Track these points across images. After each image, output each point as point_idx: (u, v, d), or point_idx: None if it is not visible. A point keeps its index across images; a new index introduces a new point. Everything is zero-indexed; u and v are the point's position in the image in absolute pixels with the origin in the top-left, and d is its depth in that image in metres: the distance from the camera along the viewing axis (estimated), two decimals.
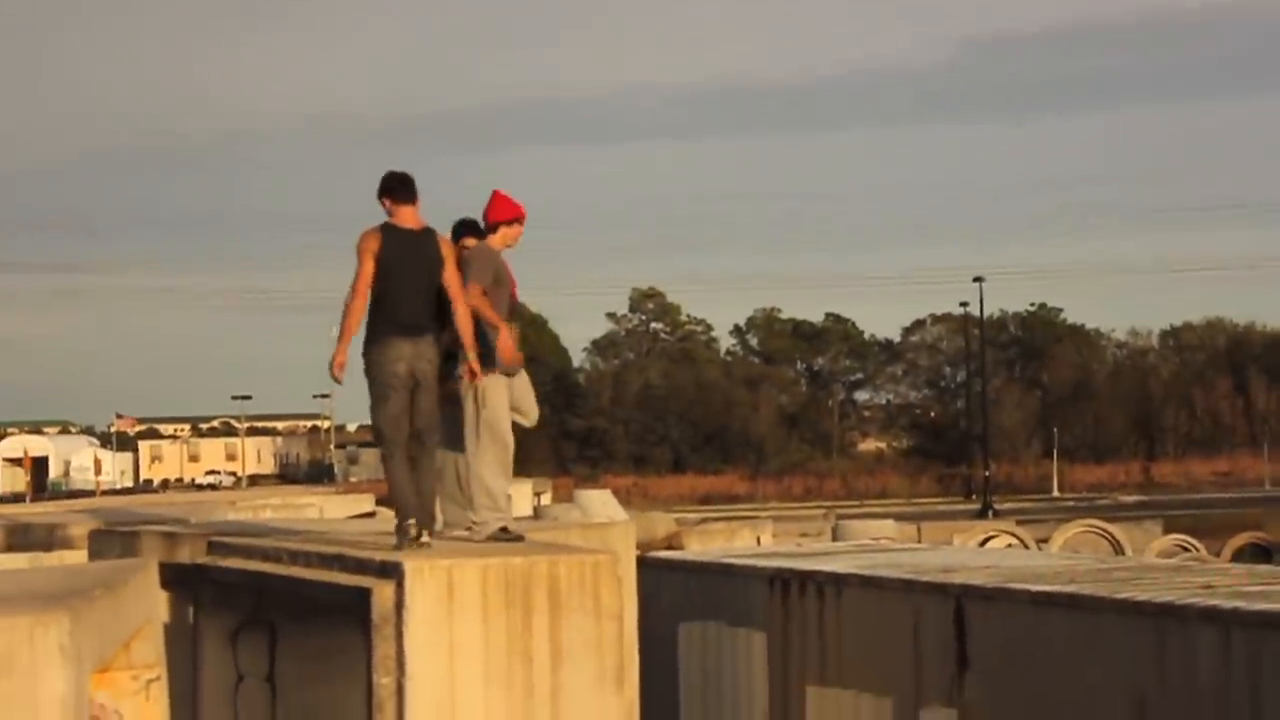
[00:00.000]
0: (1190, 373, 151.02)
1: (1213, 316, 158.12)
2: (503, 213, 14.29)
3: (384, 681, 11.90)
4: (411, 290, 13.27)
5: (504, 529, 13.72)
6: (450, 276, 13.44)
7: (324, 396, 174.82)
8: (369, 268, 13.19)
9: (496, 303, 13.97)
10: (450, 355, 14.55)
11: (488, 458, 13.87)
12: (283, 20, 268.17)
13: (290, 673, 14.96)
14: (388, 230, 13.34)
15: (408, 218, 13.41)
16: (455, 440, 14.43)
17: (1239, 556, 52.74)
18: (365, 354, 13.26)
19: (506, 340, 13.78)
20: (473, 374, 13.56)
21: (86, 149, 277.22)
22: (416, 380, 13.24)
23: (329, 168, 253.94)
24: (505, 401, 13.97)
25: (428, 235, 13.47)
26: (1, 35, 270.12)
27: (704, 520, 55.17)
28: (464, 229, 15.12)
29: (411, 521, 13.00)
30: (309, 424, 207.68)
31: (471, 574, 12.05)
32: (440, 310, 13.45)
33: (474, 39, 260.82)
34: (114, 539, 16.84)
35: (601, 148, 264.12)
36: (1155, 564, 21.31)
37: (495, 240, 14.25)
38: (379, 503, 44.75)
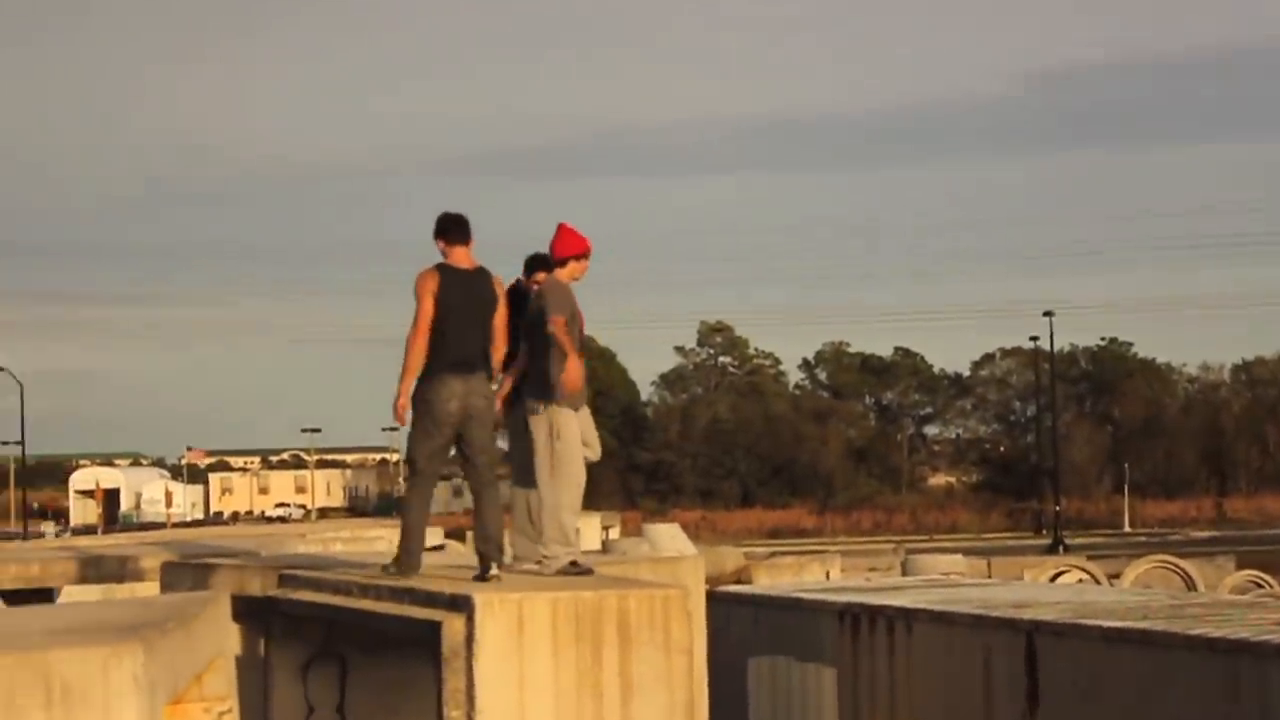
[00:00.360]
0: (1263, 408, 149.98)
1: None
2: (570, 248, 14.35)
3: (454, 715, 11.91)
4: (467, 329, 13.54)
5: (574, 563, 13.75)
6: (500, 318, 13.76)
7: (393, 429, 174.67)
8: (429, 307, 13.45)
9: (576, 341, 14.06)
10: (517, 390, 14.61)
11: (559, 491, 13.91)
12: (351, 53, 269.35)
13: (360, 705, 14.98)
14: (444, 270, 13.61)
15: (461, 258, 13.73)
16: (526, 474, 14.49)
17: None
18: (418, 390, 13.49)
19: (575, 370, 13.84)
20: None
21: (157, 179, 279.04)
22: (470, 415, 13.47)
23: (401, 199, 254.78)
24: (577, 435, 14.01)
25: (482, 275, 13.78)
26: (86, 66, 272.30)
27: (772, 554, 55.06)
28: (536, 264, 15.18)
29: (396, 559, 13.57)
30: (378, 457, 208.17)
31: (542, 607, 12.05)
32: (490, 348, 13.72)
33: (542, 72, 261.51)
34: (185, 571, 16.93)
35: (670, 179, 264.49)
36: (1229, 600, 21.17)
37: (563, 275, 14.29)
38: (447, 535, 44.87)
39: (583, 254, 14.38)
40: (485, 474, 13.64)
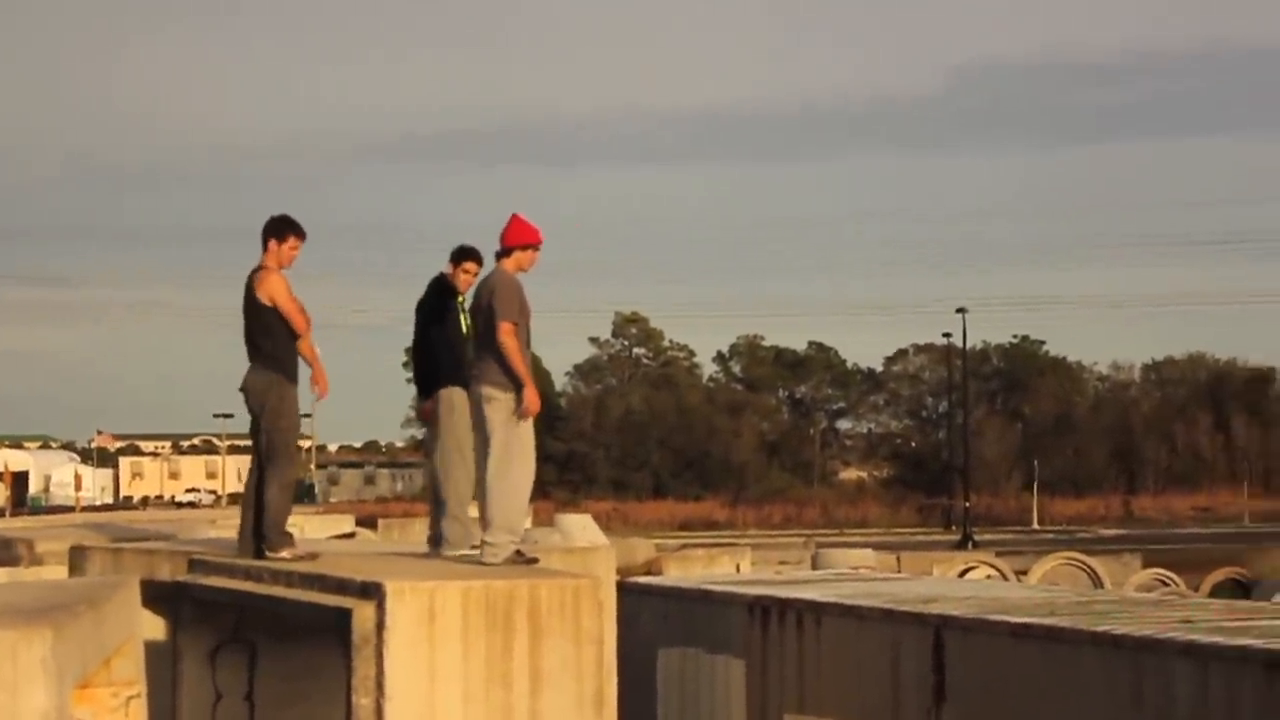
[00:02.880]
0: (1172, 407, 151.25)
1: (1195, 351, 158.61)
2: (520, 237, 14.38)
3: (363, 702, 11.92)
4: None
5: (519, 552, 13.84)
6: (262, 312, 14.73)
7: (306, 416, 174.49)
8: None
9: (524, 333, 14.13)
10: (437, 375, 14.78)
11: (516, 479, 13.97)
12: (280, 34, 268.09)
13: (269, 692, 14.96)
14: None
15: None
16: (462, 459, 14.61)
17: (1218, 591, 52.83)
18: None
19: (534, 396, 13.99)
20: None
21: (71, 161, 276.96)
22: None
23: (317, 185, 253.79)
24: (531, 428, 14.13)
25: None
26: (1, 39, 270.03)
27: (684, 546, 55.20)
28: (463, 255, 15.26)
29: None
30: None
31: (453, 596, 12.08)
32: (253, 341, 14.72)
33: (463, 59, 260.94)
34: (95, 555, 16.84)
35: (587, 170, 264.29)
36: (1134, 598, 21.36)
37: (509, 264, 14.31)
38: (359, 523, 44.79)
39: (532, 245, 14.41)
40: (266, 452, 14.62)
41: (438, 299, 15.33)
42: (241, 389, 14.65)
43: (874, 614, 17.10)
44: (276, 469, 14.50)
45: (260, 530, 14.43)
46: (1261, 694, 12.98)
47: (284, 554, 14.22)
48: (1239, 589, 55.31)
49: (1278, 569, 62.44)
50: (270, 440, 14.50)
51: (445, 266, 15.43)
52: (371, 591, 12.06)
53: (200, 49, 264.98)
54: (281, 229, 14.69)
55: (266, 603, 13.67)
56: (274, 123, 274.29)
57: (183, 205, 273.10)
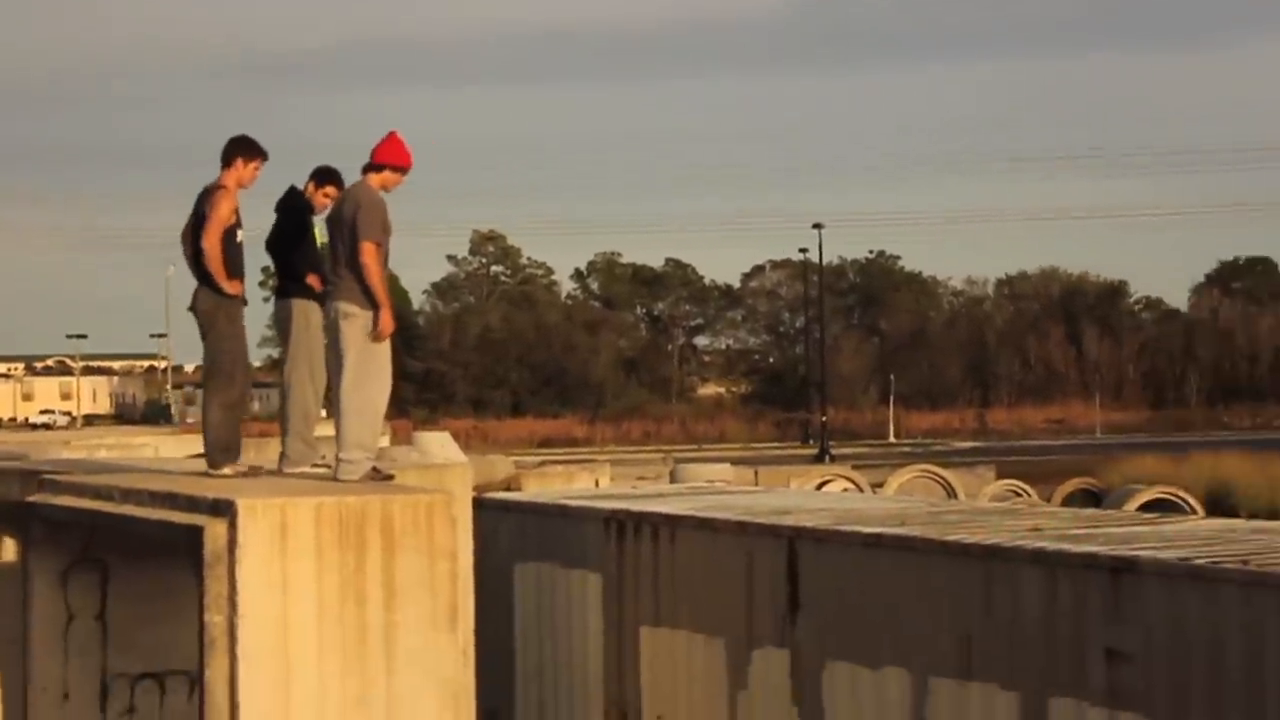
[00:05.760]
0: (1025, 321, 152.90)
1: (1047, 266, 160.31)
2: (392, 156, 14.29)
3: (216, 620, 11.86)
4: None
5: (375, 469, 13.83)
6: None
7: (161, 336, 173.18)
8: None
9: (384, 253, 14.06)
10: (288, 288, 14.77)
11: (372, 396, 13.94)
12: None
13: (122, 612, 14.84)
14: None
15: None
16: (312, 375, 14.58)
17: (1069, 502, 53.55)
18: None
19: (388, 319, 13.94)
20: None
21: None
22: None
23: (171, 106, 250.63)
24: (387, 347, 14.08)
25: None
26: None
27: (543, 463, 55.21)
28: (325, 177, 15.15)
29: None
30: (146, 364, 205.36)
31: (305, 513, 12.04)
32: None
33: None
34: None
35: (442, 90, 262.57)
36: (985, 507, 21.58)
37: (374, 180, 14.21)
38: None
39: (400, 167, 14.30)
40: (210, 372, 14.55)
41: (296, 213, 15.23)
42: (190, 309, 14.51)
43: (728, 526, 17.17)
44: (219, 390, 14.48)
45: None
46: (1108, 599, 13.18)
47: (225, 470, 14.17)
48: (1090, 499, 56.13)
49: (1127, 479, 63.43)
50: (215, 361, 14.43)
51: (305, 184, 15.35)
52: (223, 509, 11.98)
53: None
54: (249, 149, 14.49)
55: (118, 521, 13.55)
56: (115, 40, 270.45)
57: (26, 125, 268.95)
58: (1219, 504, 59.49)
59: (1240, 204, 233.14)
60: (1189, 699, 12.59)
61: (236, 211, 14.42)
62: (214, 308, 14.34)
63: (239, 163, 14.40)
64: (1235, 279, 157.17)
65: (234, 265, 14.33)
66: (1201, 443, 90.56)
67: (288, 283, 15.17)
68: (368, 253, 13.83)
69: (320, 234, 14.97)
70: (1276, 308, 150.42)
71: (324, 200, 15.14)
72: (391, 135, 14.35)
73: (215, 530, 11.90)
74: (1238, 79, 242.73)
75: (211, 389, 14.55)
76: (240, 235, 14.48)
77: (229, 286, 14.24)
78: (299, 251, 15.10)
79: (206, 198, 14.30)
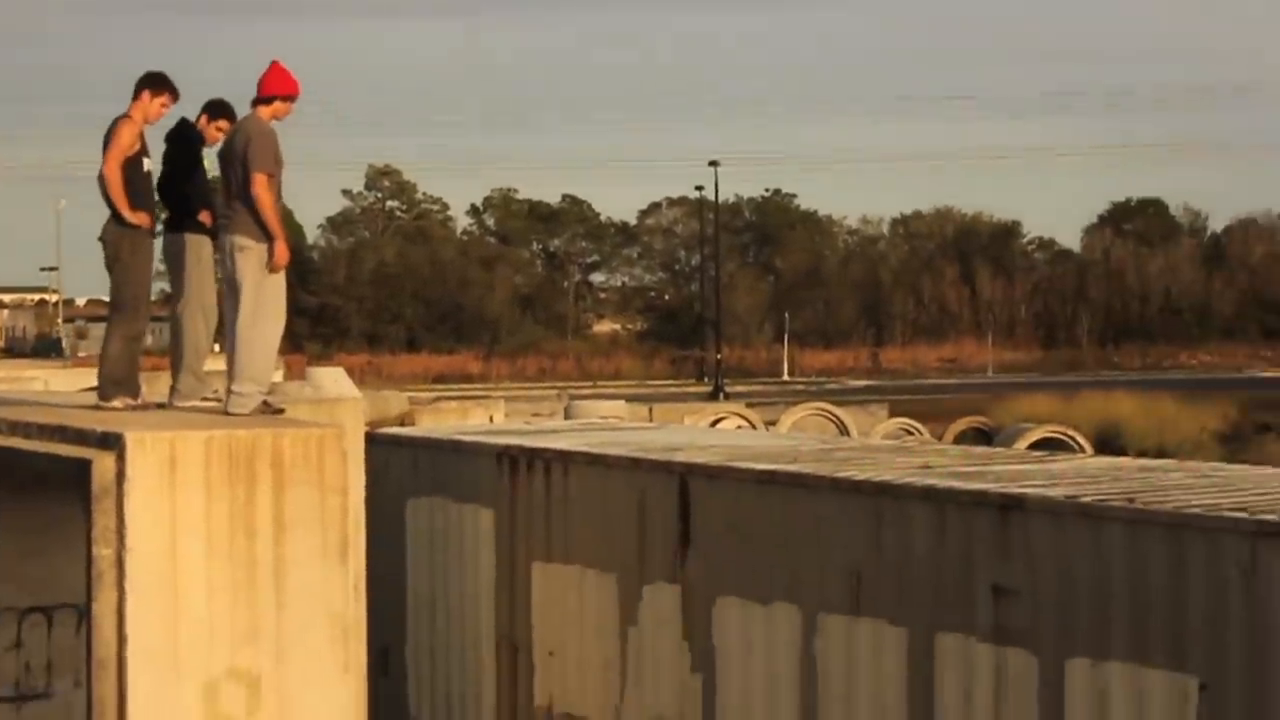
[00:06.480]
0: (919, 261, 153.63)
1: (942, 205, 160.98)
2: (279, 86, 14.23)
3: (104, 554, 11.81)
4: None
5: (266, 403, 13.79)
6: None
7: (52, 269, 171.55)
8: None
9: (277, 185, 14.01)
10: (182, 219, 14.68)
11: (267, 329, 13.91)
12: None
13: (8, 546, 14.76)
14: None
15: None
16: (204, 308, 14.53)
17: (961, 440, 54.02)
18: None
19: (284, 250, 13.88)
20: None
21: None
22: None
23: (64, 36, 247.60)
24: (282, 281, 14.04)
25: None
26: None
27: (437, 399, 55.21)
28: (217, 110, 15.06)
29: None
30: (36, 297, 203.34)
31: (194, 446, 11.99)
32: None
33: None
34: None
35: (336, 21, 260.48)
36: (876, 445, 21.70)
37: (265, 112, 14.16)
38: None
39: (289, 96, 14.26)
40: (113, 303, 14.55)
41: (188, 145, 15.14)
42: (100, 239, 14.39)
43: (621, 462, 17.23)
44: (122, 321, 14.42)
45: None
46: (997, 535, 13.31)
47: (115, 404, 14.08)
48: (981, 437, 56.68)
49: (1018, 418, 64.04)
50: (119, 292, 14.38)
51: (196, 116, 15.26)
52: (111, 442, 11.92)
53: None
54: (158, 84, 14.39)
55: (5, 455, 13.45)
56: None
57: None
58: (1108, 443, 60.21)
59: (1131, 145, 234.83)
60: (1074, 636, 12.74)
61: (142, 139, 14.33)
62: (118, 238, 14.25)
63: (145, 95, 14.33)
64: (1127, 220, 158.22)
65: (138, 196, 14.23)
66: (1092, 382, 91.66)
67: (180, 217, 15.07)
68: (260, 184, 13.79)
69: (212, 168, 14.90)
70: (1167, 249, 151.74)
71: (216, 134, 15.07)
72: (274, 65, 14.29)
73: (103, 464, 11.84)
74: (1134, 18, 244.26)
75: (114, 321, 14.47)
76: (148, 165, 14.38)
77: (132, 216, 14.13)
78: (191, 185, 15.02)
79: (113, 127, 14.22)
